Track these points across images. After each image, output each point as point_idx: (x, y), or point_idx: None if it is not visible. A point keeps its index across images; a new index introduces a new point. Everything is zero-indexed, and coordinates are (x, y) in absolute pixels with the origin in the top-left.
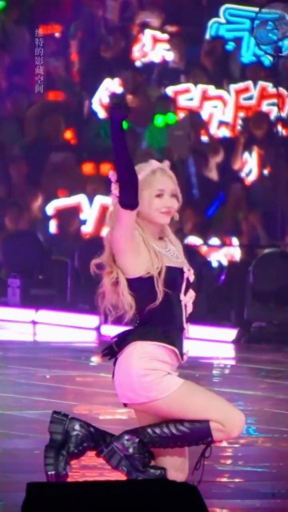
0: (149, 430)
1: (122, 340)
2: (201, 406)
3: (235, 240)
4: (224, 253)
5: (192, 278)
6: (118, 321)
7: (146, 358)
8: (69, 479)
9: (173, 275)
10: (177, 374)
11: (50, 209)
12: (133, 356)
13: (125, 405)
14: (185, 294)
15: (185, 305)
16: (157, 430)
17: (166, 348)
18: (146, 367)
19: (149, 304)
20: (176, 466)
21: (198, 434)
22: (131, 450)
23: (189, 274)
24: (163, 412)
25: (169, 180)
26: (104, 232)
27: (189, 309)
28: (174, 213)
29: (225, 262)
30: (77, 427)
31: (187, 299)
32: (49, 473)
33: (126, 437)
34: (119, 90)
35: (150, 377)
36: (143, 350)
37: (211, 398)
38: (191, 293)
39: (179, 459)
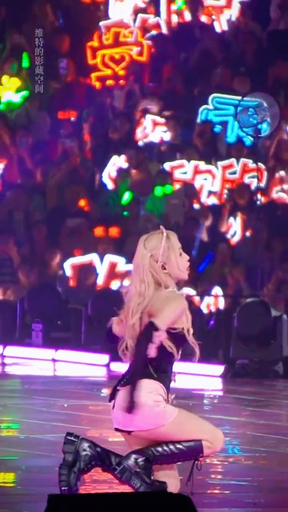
0: (152, 450)
1: (129, 378)
2: (196, 429)
3: (219, 291)
4: (208, 302)
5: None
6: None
7: (154, 393)
8: (82, 492)
9: (182, 339)
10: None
11: (67, 265)
12: (142, 391)
13: (129, 432)
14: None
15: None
16: (160, 449)
17: (164, 389)
18: (155, 399)
19: (167, 355)
20: (173, 475)
21: (193, 451)
22: (139, 467)
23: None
24: (165, 435)
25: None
26: (114, 285)
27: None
28: None
29: (213, 309)
30: (86, 447)
31: (178, 356)
32: (63, 488)
33: (134, 456)
34: (125, 165)
35: (158, 408)
36: (154, 387)
37: (201, 422)
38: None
39: (173, 471)
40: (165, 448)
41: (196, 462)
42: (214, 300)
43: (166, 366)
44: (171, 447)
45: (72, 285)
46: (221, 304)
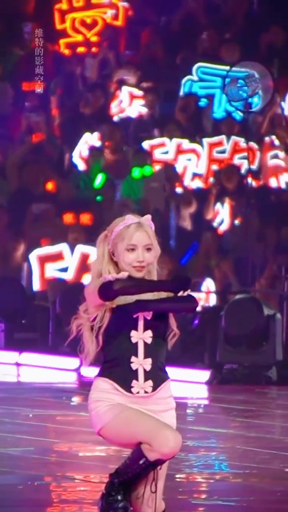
0: (119, 467)
1: None
2: (130, 433)
3: (212, 286)
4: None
5: (148, 316)
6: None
7: (95, 391)
8: None
9: (120, 315)
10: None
11: (33, 257)
12: (90, 391)
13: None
14: (144, 331)
15: (144, 341)
16: (120, 467)
17: (111, 383)
18: (94, 398)
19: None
20: (147, 502)
21: (135, 459)
22: (104, 489)
23: (144, 312)
24: (109, 441)
25: (143, 235)
26: (86, 279)
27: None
28: (150, 266)
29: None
30: None
31: (144, 335)
32: None
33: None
34: (98, 144)
35: (94, 409)
36: (95, 385)
37: (139, 422)
38: (150, 332)
39: (149, 496)
40: (122, 464)
41: (154, 472)
42: (206, 297)
43: (108, 354)
44: (125, 460)
45: (38, 279)
46: (213, 301)
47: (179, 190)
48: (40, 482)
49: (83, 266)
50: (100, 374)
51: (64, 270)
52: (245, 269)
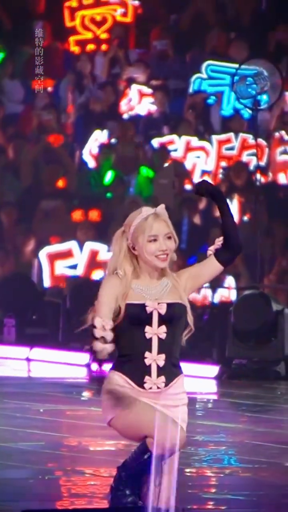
0: (126, 460)
1: None
2: (136, 426)
3: (232, 282)
4: (221, 294)
5: (163, 311)
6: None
7: (109, 383)
8: (59, 507)
9: (134, 311)
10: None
11: (43, 254)
12: (104, 383)
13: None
14: (159, 327)
15: (158, 337)
16: (127, 460)
17: (125, 378)
18: (107, 389)
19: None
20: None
21: (141, 453)
22: (113, 483)
23: (158, 308)
24: (120, 433)
25: (162, 224)
26: (96, 275)
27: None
28: (172, 254)
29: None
30: None
31: (158, 331)
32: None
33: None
34: (106, 140)
35: (106, 400)
36: (109, 377)
37: (146, 416)
38: (164, 327)
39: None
40: (129, 457)
41: (160, 466)
42: (229, 293)
43: (122, 349)
44: (131, 454)
45: (48, 276)
46: (233, 297)
47: (188, 187)
48: (51, 476)
49: (93, 262)
50: (114, 368)
51: (74, 267)
52: (254, 264)
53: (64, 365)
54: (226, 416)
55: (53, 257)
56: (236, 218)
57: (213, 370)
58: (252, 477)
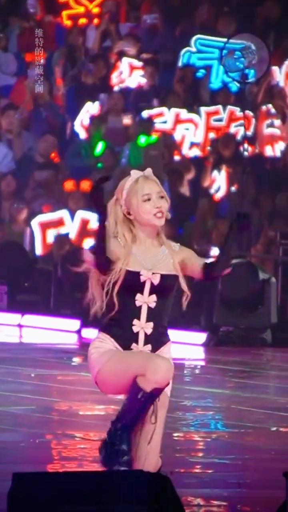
0: (119, 412)
1: None
2: (123, 368)
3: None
4: None
5: (156, 281)
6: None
7: (96, 341)
8: (50, 470)
9: (129, 278)
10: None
11: (35, 223)
12: (92, 341)
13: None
14: (149, 295)
15: (148, 305)
16: (119, 411)
17: (113, 341)
18: (94, 345)
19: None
20: (152, 452)
21: (133, 395)
22: (108, 437)
23: (152, 278)
24: (107, 384)
25: (153, 184)
26: (87, 244)
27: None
28: (167, 213)
29: None
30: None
31: (148, 300)
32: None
33: (109, 427)
34: (97, 112)
35: (93, 354)
36: (97, 336)
37: (131, 357)
38: (154, 296)
39: (153, 447)
40: (123, 404)
41: (154, 405)
42: None
43: (111, 312)
44: (124, 401)
45: (40, 244)
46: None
47: (177, 158)
48: (41, 439)
49: (84, 231)
50: (103, 329)
51: (65, 235)
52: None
53: (55, 331)
54: (213, 381)
55: (45, 226)
56: (224, 188)
57: (201, 337)
58: (238, 441)
